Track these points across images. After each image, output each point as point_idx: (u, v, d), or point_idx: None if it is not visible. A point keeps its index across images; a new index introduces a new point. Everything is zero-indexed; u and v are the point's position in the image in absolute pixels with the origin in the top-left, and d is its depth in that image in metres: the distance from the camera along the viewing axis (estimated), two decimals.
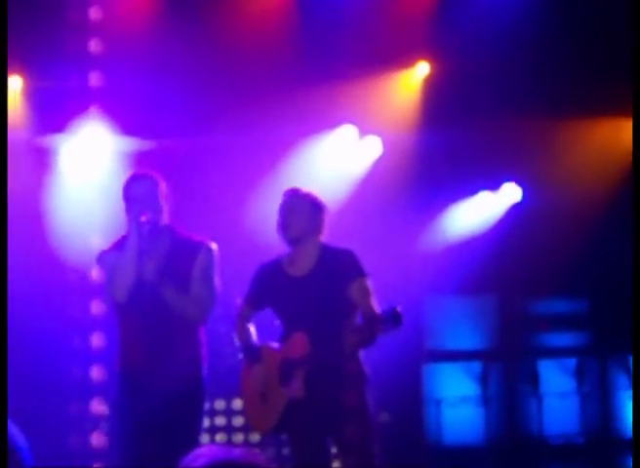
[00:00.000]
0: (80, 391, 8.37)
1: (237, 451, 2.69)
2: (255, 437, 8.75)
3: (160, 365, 5.40)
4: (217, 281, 5.56)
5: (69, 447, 8.26)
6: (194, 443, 5.44)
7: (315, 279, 5.45)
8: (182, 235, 5.59)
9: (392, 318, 5.03)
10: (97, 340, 8.40)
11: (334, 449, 5.62)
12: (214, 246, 5.59)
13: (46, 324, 8.16)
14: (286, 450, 7.88)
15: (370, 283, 5.47)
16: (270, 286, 5.59)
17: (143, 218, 5.37)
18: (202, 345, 5.55)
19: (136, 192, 5.48)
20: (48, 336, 8.18)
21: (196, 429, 5.54)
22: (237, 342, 5.84)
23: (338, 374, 5.34)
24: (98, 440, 8.26)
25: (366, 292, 5.42)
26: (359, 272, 5.45)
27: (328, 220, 5.62)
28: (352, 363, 5.40)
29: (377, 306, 5.36)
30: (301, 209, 5.52)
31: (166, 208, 5.53)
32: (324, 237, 5.60)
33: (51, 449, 7.61)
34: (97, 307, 8.38)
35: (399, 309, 5.02)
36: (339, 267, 5.44)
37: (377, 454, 5.42)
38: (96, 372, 8.36)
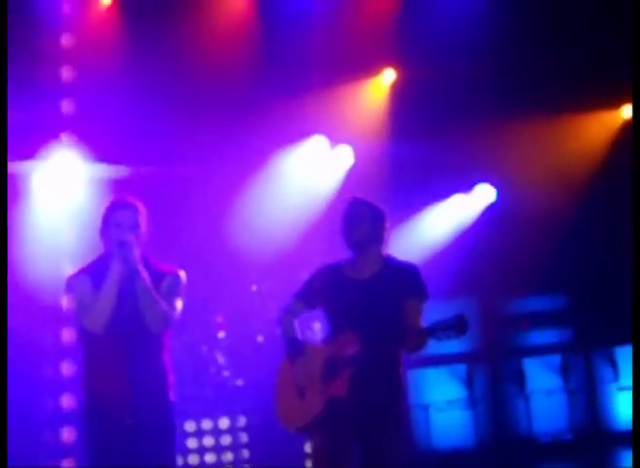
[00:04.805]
0: (51, 418, 8.28)
1: None
2: (245, 453, 8.74)
3: (129, 393, 5.36)
4: (179, 304, 5.53)
5: None
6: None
7: (375, 284, 5.50)
8: (153, 263, 5.57)
9: (458, 325, 5.08)
10: (67, 369, 8.32)
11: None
12: (182, 273, 5.58)
13: (16, 351, 8.04)
14: None
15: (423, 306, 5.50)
16: (328, 285, 5.61)
17: (125, 241, 5.34)
18: (169, 372, 5.52)
19: (120, 218, 5.46)
20: (17, 364, 8.05)
21: (170, 456, 5.51)
22: (280, 335, 5.75)
23: (382, 379, 5.37)
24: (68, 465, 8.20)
25: (418, 314, 5.45)
26: (421, 292, 5.51)
27: (390, 230, 5.65)
28: (401, 369, 5.46)
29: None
30: (364, 216, 5.56)
31: (144, 237, 5.51)
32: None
33: None
34: (67, 335, 8.31)
35: (465, 317, 5.08)
36: (401, 279, 5.49)
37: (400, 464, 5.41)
38: (66, 401, 8.28)
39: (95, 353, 5.49)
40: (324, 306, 5.64)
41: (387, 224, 5.64)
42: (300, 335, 5.72)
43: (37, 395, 8.23)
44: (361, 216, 5.56)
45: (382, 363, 5.38)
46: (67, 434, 8.18)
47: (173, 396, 5.50)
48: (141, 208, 5.53)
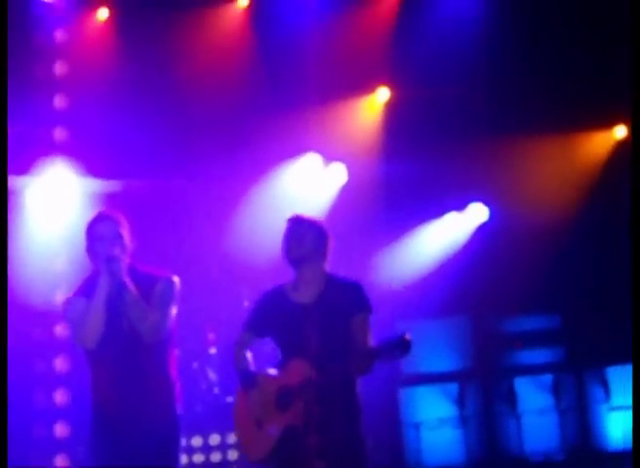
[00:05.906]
0: (44, 414, 8.25)
1: None
2: None
3: (135, 408, 5.37)
4: (173, 310, 5.51)
5: None
6: None
7: (320, 306, 5.45)
8: (144, 271, 5.56)
9: (402, 345, 5.05)
10: (60, 364, 8.31)
11: None
12: (175, 278, 5.57)
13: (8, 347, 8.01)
14: None
15: (370, 319, 5.46)
16: (273, 312, 5.55)
17: (112, 256, 5.35)
18: (175, 384, 5.52)
19: (101, 232, 5.46)
20: (10, 360, 8.02)
21: None
22: (234, 368, 5.69)
23: (336, 403, 5.34)
24: (61, 462, 8.18)
25: (366, 329, 5.41)
26: (364, 307, 5.47)
27: (332, 247, 5.58)
28: (354, 391, 5.42)
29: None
30: (305, 233, 5.52)
31: (130, 248, 5.50)
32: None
33: None
34: (60, 331, 8.30)
35: (408, 336, 5.05)
36: (345, 298, 5.45)
37: None
38: (59, 396, 8.25)
39: (96, 370, 5.49)
40: (272, 334, 5.59)
41: (330, 241, 5.58)
42: (252, 366, 5.63)
43: (30, 390, 8.20)
44: (303, 233, 5.51)
45: (337, 386, 5.31)
46: (60, 429, 8.17)
47: (179, 408, 5.49)
48: (122, 219, 5.53)
